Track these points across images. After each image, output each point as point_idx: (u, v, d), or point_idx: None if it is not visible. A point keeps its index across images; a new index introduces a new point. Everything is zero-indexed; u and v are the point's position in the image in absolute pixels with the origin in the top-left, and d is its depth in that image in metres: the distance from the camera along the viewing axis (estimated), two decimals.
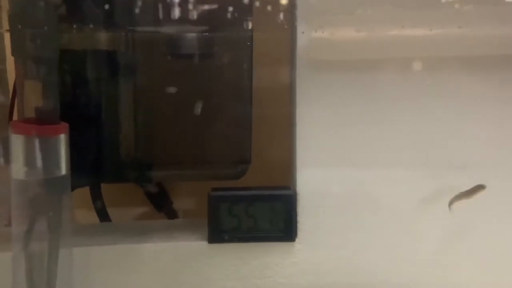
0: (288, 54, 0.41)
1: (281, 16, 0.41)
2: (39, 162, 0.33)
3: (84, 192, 0.48)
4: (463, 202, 0.42)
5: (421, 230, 0.42)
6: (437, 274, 0.43)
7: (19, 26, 0.34)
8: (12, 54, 0.36)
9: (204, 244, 0.41)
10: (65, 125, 0.35)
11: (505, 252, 0.43)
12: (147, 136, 0.42)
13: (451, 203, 0.42)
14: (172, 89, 0.42)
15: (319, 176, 0.41)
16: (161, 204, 0.57)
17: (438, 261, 0.43)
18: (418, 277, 0.43)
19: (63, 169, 0.35)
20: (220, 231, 0.41)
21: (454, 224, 0.42)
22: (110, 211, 0.49)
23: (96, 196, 0.46)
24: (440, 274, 0.43)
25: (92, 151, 0.41)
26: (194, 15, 0.40)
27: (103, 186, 0.48)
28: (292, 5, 0.40)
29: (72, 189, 0.38)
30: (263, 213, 0.41)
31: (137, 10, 0.40)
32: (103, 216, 0.47)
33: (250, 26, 0.41)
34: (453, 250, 0.43)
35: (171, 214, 0.57)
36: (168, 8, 0.40)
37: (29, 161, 0.34)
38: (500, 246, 0.43)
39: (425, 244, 0.42)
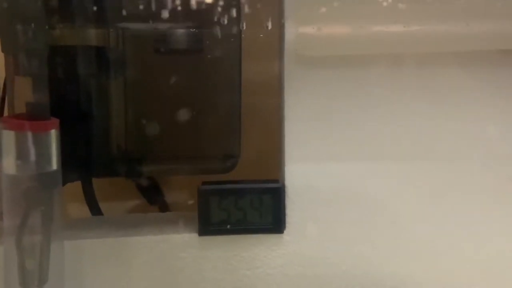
0: (277, 49, 0.42)
1: (270, 11, 0.41)
2: (30, 158, 0.34)
3: (77, 186, 0.48)
4: (451, 195, 0.43)
5: (407, 222, 0.43)
6: (425, 265, 0.44)
7: (8, 22, 0.34)
8: (2, 50, 0.36)
9: (194, 236, 0.42)
10: (55, 121, 0.35)
11: (492, 243, 0.44)
12: (137, 131, 0.42)
13: None
14: (161, 84, 0.43)
15: (307, 170, 0.42)
16: (153, 198, 0.57)
17: (426, 253, 0.44)
18: (405, 269, 0.44)
19: (54, 164, 0.35)
20: (210, 224, 0.42)
21: (441, 215, 0.43)
22: (102, 205, 0.50)
23: (88, 190, 0.46)
24: (428, 265, 0.44)
25: (83, 146, 0.42)
26: (183, 10, 0.40)
27: (95, 180, 0.49)
28: (279, 0, 0.40)
29: (63, 184, 0.39)
30: (252, 206, 0.42)
31: (126, 6, 0.40)
32: (95, 210, 0.48)
33: (239, 21, 0.41)
34: (440, 242, 0.44)
35: (163, 207, 0.57)
36: (157, 3, 0.40)
37: (20, 157, 0.34)
38: (487, 237, 0.44)
39: (412, 236, 0.43)
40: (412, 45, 0.40)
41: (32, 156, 0.34)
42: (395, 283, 0.43)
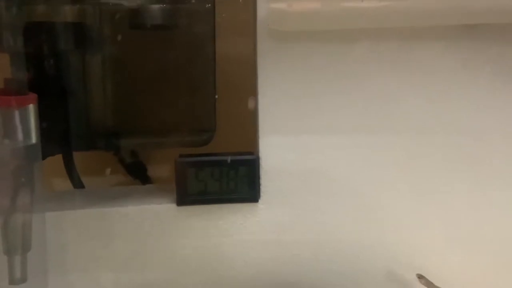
0: (250, 24, 0.43)
1: None
2: (8, 132, 0.35)
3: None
4: (423, 164, 0.45)
5: (379, 193, 0.45)
6: (389, 233, 0.46)
7: None
8: None
9: (172, 206, 0.43)
10: (33, 96, 0.36)
11: (453, 211, 0.46)
12: (115, 106, 0.43)
13: (420, 277, 0.43)
14: (137, 59, 0.44)
15: (281, 142, 0.44)
16: (136, 172, 0.58)
17: (390, 221, 0.46)
18: (377, 237, 0.46)
19: (33, 138, 0.36)
20: (187, 195, 0.43)
21: (405, 186, 0.45)
22: (87, 180, 0.51)
23: (69, 164, 0.47)
24: (400, 235, 0.46)
25: (62, 120, 0.43)
26: None
27: (79, 156, 0.50)
28: None
29: (44, 157, 0.40)
30: (228, 177, 0.43)
31: None
32: (77, 183, 0.49)
33: None
34: (403, 210, 0.45)
35: (146, 181, 0.59)
36: None
37: None
38: (449, 206, 0.46)
39: (377, 205, 0.45)
40: (382, 20, 0.41)
41: (11, 130, 0.35)
42: (360, 249, 0.46)
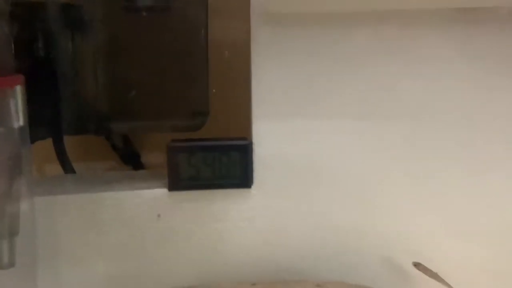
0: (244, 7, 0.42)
1: None
2: None
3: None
4: (419, 151, 0.44)
5: (374, 180, 0.45)
6: (392, 222, 0.45)
7: None
8: None
9: (164, 191, 0.43)
10: (20, 77, 0.36)
11: (449, 199, 0.46)
12: (106, 89, 0.43)
13: (417, 265, 0.43)
14: (130, 42, 0.43)
15: (275, 128, 0.43)
16: (129, 158, 0.58)
17: (385, 208, 0.45)
18: (371, 224, 0.45)
19: (21, 120, 0.35)
20: (179, 180, 0.43)
21: (400, 173, 0.45)
22: (78, 165, 0.50)
23: (59, 148, 0.47)
24: (395, 221, 0.46)
25: (52, 103, 0.42)
26: None
27: (71, 141, 0.49)
28: None
29: (33, 141, 0.39)
30: (221, 162, 0.43)
31: None
32: (68, 168, 0.48)
33: None
34: (399, 198, 0.45)
35: (139, 167, 0.58)
36: None
37: None
38: (445, 194, 0.45)
39: (378, 192, 0.45)
40: (381, 2, 0.41)
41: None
42: (353, 235, 0.45)
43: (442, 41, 0.43)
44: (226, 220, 0.44)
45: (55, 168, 0.50)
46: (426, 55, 0.43)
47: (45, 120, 0.41)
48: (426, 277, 0.43)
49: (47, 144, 0.46)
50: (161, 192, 0.43)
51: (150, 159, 0.58)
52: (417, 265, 0.44)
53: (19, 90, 0.35)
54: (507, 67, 0.44)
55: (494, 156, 0.45)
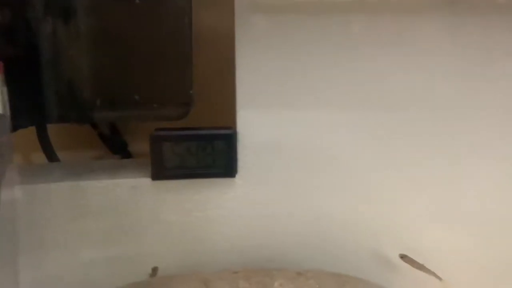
0: None
1: None
2: None
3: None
4: (405, 140, 0.45)
5: (359, 169, 0.45)
6: (377, 210, 0.46)
7: None
8: None
9: (147, 180, 0.43)
10: None
11: (443, 187, 0.46)
12: (89, 77, 0.42)
13: (403, 257, 0.44)
14: (114, 30, 0.42)
15: (259, 117, 0.43)
16: (116, 147, 0.58)
17: (378, 197, 0.46)
18: (356, 212, 0.46)
19: (0, 108, 0.35)
20: (163, 169, 0.43)
21: (384, 161, 0.45)
22: (67, 154, 0.50)
23: (42, 136, 0.46)
24: (380, 210, 0.46)
25: (34, 91, 0.41)
26: None
27: (60, 130, 0.49)
28: None
29: (15, 129, 0.39)
30: (205, 151, 0.43)
31: None
32: (51, 156, 0.48)
33: None
34: (393, 186, 0.45)
35: (126, 156, 0.58)
36: None
37: None
38: (429, 182, 0.46)
39: (363, 180, 0.45)
40: None
41: None
42: (338, 224, 0.46)
43: (436, 32, 0.43)
44: (210, 209, 0.44)
45: (42, 156, 0.50)
46: (419, 46, 0.43)
47: (27, 108, 0.41)
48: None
49: (33, 133, 0.46)
50: (144, 181, 0.43)
51: (138, 148, 0.58)
52: (403, 257, 0.44)
53: None
54: (507, 57, 0.44)
55: (478, 144, 0.45)
